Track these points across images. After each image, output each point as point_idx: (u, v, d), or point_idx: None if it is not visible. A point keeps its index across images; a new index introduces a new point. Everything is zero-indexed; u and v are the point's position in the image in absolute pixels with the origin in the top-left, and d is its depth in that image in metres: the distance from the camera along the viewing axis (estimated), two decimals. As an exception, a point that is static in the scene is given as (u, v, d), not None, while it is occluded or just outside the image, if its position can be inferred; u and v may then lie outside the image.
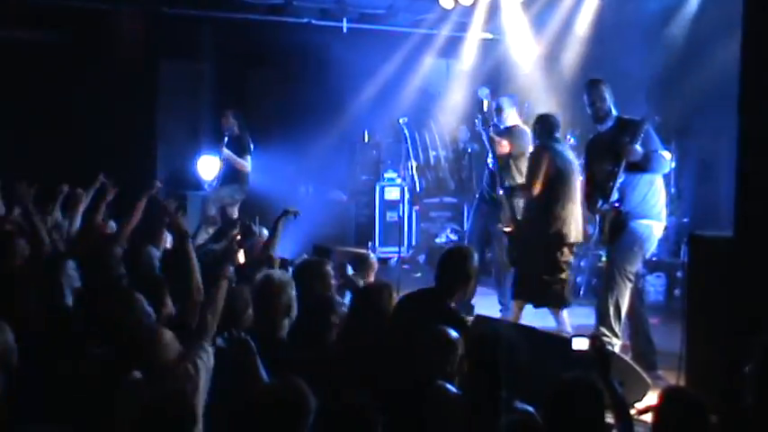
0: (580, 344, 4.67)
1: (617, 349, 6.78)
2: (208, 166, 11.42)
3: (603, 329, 6.89)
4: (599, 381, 4.06)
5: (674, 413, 3.77)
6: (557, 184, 7.88)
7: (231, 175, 10.78)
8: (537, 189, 7.86)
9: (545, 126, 8.00)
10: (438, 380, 4.40)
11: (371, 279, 7.09)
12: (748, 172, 5.51)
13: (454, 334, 4.69)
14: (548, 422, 3.83)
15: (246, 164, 10.71)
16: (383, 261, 10.84)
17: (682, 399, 3.89)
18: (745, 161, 5.54)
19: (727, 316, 5.48)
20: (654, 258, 9.57)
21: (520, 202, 8.30)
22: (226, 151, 10.58)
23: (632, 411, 5.70)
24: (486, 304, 8.53)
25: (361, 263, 7.29)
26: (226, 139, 10.67)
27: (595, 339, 4.53)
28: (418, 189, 12.03)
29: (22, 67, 11.19)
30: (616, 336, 6.92)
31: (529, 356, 5.28)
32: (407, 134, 10.20)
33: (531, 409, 4.09)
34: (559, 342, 5.87)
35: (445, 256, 5.76)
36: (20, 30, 11.21)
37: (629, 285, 7.02)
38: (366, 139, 12.36)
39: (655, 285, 9.49)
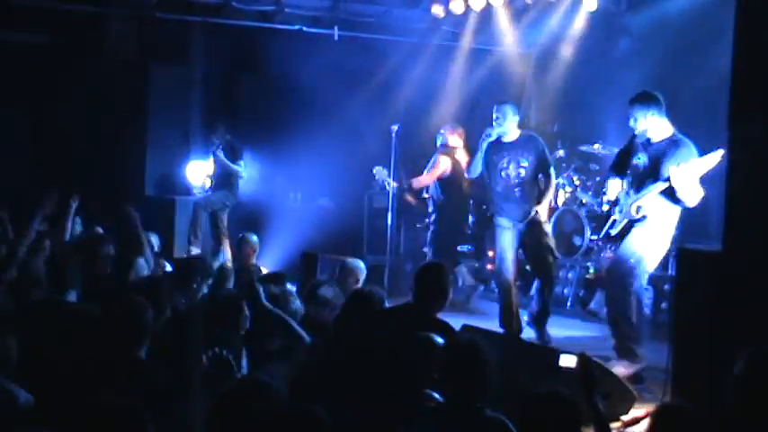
0: (568, 361, 4.65)
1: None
2: (197, 172, 11.40)
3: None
4: (582, 398, 4.03)
5: (669, 428, 3.75)
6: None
7: (223, 181, 10.78)
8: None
9: None
10: (424, 387, 4.38)
11: (359, 285, 7.10)
12: (737, 185, 5.50)
13: (440, 340, 4.70)
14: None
15: (240, 169, 10.72)
16: (371, 268, 10.82)
17: (679, 416, 3.86)
18: (734, 174, 5.54)
19: (714, 330, 5.47)
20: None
21: None
22: (221, 156, 10.58)
23: (618, 424, 5.75)
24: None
25: (350, 270, 7.30)
26: (220, 145, 10.68)
27: (583, 356, 4.50)
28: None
29: (11, 68, 11.16)
30: None
31: (515, 368, 5.27)
32: (397, 142, 10.19)
33: (502, 417, 4.05)
34: (548, 355, 5.86)
35: (422, 271, 5.80)
36: (10, 31, 11.17)
37: None
38: (356, 147, 12.32)
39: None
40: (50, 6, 11.00)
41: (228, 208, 10.81)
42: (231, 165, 10.68)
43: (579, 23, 10.69)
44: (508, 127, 8.34)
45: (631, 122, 7.18)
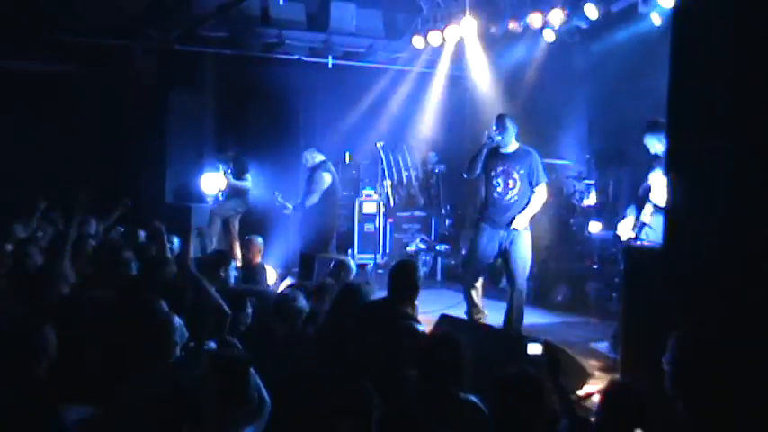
0: (534, 348, 4.67)
1: None
2: (210, 182, 11.39)
3: None
4: (549, 381, 4.04)
5: (618, 400, 3.76)
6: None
7: (234, 192, 10.75)
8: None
9: None
10: (405, 370, 4.37)
11: (350, 279, 7.09)
12: (675, 194, 5.52)
13: (421, 327, 4.69)
14: (494, 410, 3.80)
15: (247, 183, 10.68)
16: (361, 266, 10.82)
17: (626, 388, 3.87)
18: (672, 184, 5.56)
19: (654, 315, 5.49)
20: (595, 267, 9.64)
21: None
22: (230, 178, 10.52)
23: (574, 397, 5.77)
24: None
25: (342, 267, 7.29)
26: (228, 168, 10.61)
27: (548, 344, 4.52)
28: (392, 204, 12.05)
29: (49, 95, 11.17)
30: None
31: (485, 353, 5.26)
32: (383, 156, 10.19)
33: (475, 399, 4.04)
34: (516, 342, 5.85)
35: (396, 268, 5.69)
36: (49, 63, 11.17)
37: None
38: (347, 160, 12.34)
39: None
40: (85, 41, 11.02)
41: (240, 215, 10.78)
42: (239, 183, 10.65)
43: (540, 52, 10.72)
44: (507, 138, 7.91)
45: (651, 149, 7.13)
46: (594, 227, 9.71)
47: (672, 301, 5.00)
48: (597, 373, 6.43)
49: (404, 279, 5.55)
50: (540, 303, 9.81)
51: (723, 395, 3.96)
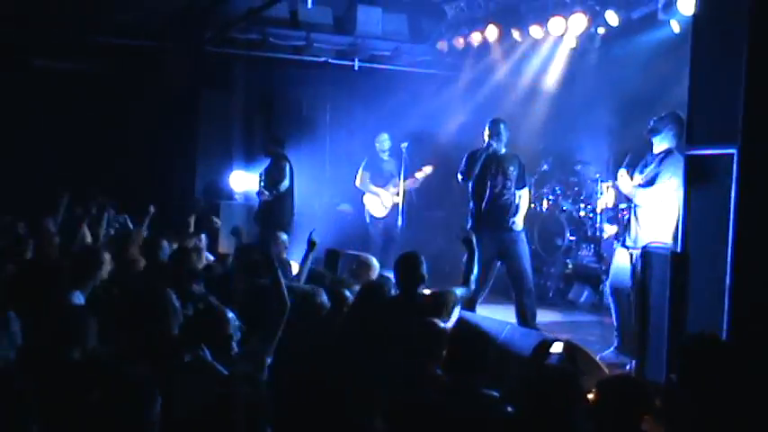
0: (555, 347, 4.65)
1: None
2: (239, 180, 11.43)
3: None
4: None
5: (612, 396, 3.68)
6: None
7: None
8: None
9: None
10: (431, 367, 4.33)
11: (373, 278, 7.07)
12: (693, 197, 5.51)
13: (442, 324, 4.63)
14: (527, 408, 3.74)
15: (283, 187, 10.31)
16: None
17: (619, 384, 3.83)
18: (690, 187, 5.54)
19: (671, 320, 5.47)
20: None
21: None
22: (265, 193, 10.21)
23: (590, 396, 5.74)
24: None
25: (365, 265, 7.28)
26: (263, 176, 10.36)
27: (567, 343, 4.50)
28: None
29: (85, 95, 11.31)
30: None
31: (508, 350, 5.24)
32: (406, 157, 10.19)
33: (496, 393, 4.01)
34: (540, 339, 5.80)
35: (400, 261, 5.61)
36: (82, 63, 11.29)
37: None
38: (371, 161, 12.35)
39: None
40: (121, 42, 11.15)
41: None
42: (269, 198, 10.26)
43: (561, 58, 10.69)
44: (502, 143, 7.99)
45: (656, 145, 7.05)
46: (610, 229, 9.67)
47: (688, 305, 5.00)
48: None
49: (409, 271, 5.50)
50: (558, 303, 9.80)
51: (732, 395, 3.94)
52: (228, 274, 6.64)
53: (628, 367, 6.48)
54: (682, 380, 4.00)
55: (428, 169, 10.38)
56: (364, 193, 10.55)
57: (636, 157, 7.29)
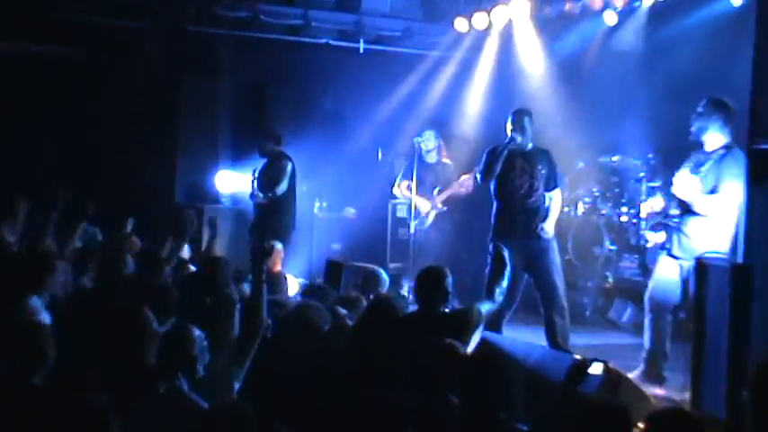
0: (595, 369, 4.63)
1: None
2: (226, 180, 11.40)
3: None
4: None
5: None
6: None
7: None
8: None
9: None
10: (445, 392, 4.33)
11: (383, 292, 7.05)
12: (756, 199, 5.46)
13: (462, 348, 4.66)
14: None
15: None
16: (393, 276, 10.78)
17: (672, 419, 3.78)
18: (752, 188, 5.49)
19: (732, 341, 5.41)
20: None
21: None
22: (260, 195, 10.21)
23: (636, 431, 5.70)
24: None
25: (373, 278, 7.26)
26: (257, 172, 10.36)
27: (608, 367, 4.48)
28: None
29: (48, 81, 11.23)
30: None
31: (540, 376, 5.21)
32: (419, 154, 10.15)
33: (524, 427, 4.00)
34: (576, 362, 5.76)
35: (423, 276, 5.70)
36: (49, 45, 11.25)
37: None
38: (379, 158, 12.31)
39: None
40: (88, 21, 11.08)
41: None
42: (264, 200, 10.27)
43: (600, 36, 10.65)
44: (527, 138, 7.97)
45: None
46: (656, 237, 9.58)
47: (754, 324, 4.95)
48: (663, 404, 6.35)
49: (432, 287, 5.56)
50: (597, 321, 9.76)
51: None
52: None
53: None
54: (755, 415, 3.94)
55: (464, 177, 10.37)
56: (396, 198, 10.72)
57: (679, 152, 7.26)
